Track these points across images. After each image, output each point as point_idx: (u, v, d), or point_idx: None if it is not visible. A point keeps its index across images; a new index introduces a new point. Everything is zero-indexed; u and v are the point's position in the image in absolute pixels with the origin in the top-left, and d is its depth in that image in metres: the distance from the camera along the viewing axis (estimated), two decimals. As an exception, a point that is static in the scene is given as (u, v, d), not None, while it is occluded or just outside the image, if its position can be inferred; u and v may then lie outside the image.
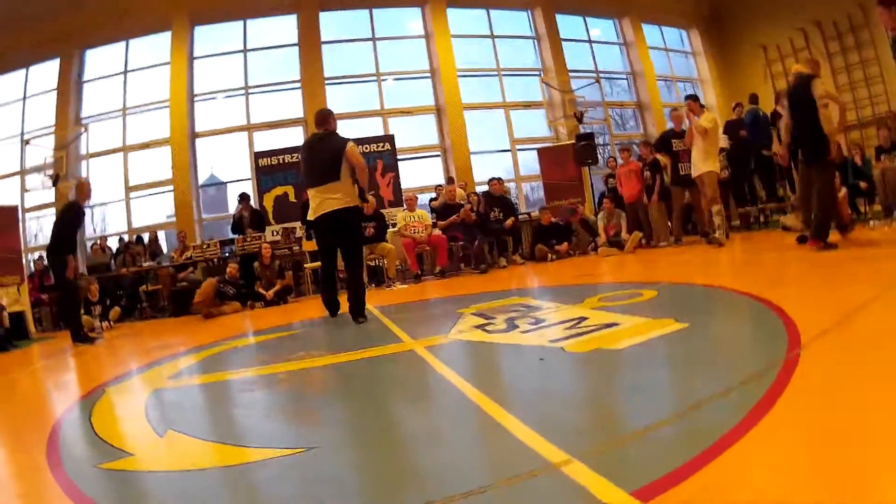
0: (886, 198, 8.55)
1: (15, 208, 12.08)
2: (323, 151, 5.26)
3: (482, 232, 10.01)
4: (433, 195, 12.60)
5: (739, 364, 2.20)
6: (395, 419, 2.19)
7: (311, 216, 5.32)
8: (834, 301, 3.20)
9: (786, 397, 1.68)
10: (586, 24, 16.42)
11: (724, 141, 9.78)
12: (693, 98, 8.42)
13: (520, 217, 11.68)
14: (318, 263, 9.83)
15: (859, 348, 2.18)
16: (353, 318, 4.99)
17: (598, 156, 13.80)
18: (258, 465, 1.80)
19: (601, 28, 16.77)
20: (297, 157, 12.17)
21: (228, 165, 14.38)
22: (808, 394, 1.71)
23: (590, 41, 16.38)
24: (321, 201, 5.17)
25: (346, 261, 5.36)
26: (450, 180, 12.46)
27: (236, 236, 10.81)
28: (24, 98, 13.78)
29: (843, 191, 7.90)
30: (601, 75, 15.97)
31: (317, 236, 5.57)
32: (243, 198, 11.26)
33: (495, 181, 11.16)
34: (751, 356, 2.28)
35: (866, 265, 4.65)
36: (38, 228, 13.84)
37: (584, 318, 3.47)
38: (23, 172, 13.15)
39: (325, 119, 5.44)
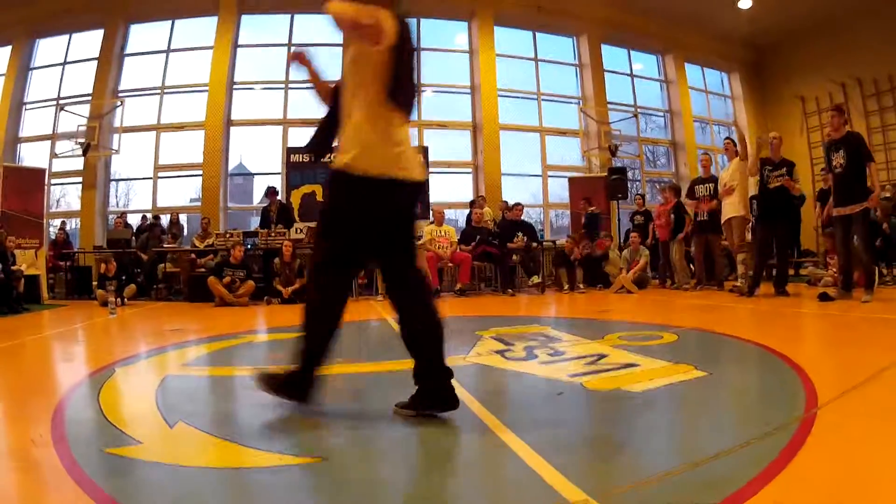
0: None
1: (42, 171, 12.33)
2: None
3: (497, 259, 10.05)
4: (468, 213, 12.36)
5: (757, 418, 2.21)
6: (410, 440, 2.15)
7: (403, 173, 2.41)
8: (853, 363, 3.20)
9: (801, 456, 1.69)
10: (630, 58, 16.40)
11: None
12: (731, 140, 8.47)
13: (544, 244, 11.57)
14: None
15: (877, 413, 2.17)
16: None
17: (629, 191, 13.77)
18: (270, 470, 1.79)
19: (644, 63, 16.75)
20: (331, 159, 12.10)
21: (258, 157, 14.56)
22: (824, 454, 1.72)
23: (632, 75, 16.36)
24: (413, 152, 2.55)
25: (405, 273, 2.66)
26: (479, 200, 12.29)
27: (259, 229, 10.85)
28: (65, 63, 14.02)
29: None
30: (639, 110, 15.96)
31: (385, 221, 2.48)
32: (271, 191, 11.32)
33: (517, 207, 11.05)
34: (768, 411, 2.28)
35: (888, 328, 4.63)
36: (62, 194, 14.11)
37: (604, 356, 3.46)
38: (54, 137, 13.34)
39: None
